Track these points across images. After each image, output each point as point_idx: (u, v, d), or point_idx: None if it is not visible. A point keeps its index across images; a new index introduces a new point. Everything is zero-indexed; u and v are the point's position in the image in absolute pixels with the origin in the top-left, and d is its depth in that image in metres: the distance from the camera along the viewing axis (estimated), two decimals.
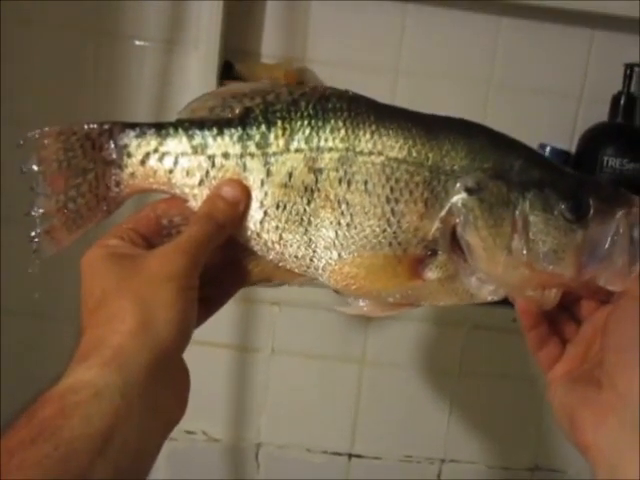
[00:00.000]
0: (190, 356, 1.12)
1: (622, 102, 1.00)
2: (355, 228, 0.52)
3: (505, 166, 0.51)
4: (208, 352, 1.10)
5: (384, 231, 0.52)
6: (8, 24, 1.02)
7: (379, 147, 0.52)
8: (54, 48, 1.04)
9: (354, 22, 1.05)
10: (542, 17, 1.03)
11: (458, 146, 0.52)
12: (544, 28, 1.04)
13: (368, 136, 0.52)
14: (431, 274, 0.52)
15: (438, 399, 1.14)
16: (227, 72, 1.02)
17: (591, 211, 0.50)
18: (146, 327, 0.45)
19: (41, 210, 0.52)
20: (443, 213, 0.51)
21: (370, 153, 0.52)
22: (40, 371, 1.10)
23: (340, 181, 0.52)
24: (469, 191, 0.51)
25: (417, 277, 0.52)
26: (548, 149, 1.02)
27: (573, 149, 1.05)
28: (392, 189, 0.52)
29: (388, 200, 0.51)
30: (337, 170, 0.52)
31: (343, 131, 0.52)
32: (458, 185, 0.51)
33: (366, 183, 0.52)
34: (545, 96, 1.07)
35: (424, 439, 1.15)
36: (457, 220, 0.51)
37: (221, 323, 1.08)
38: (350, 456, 1.15)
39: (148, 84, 1.05)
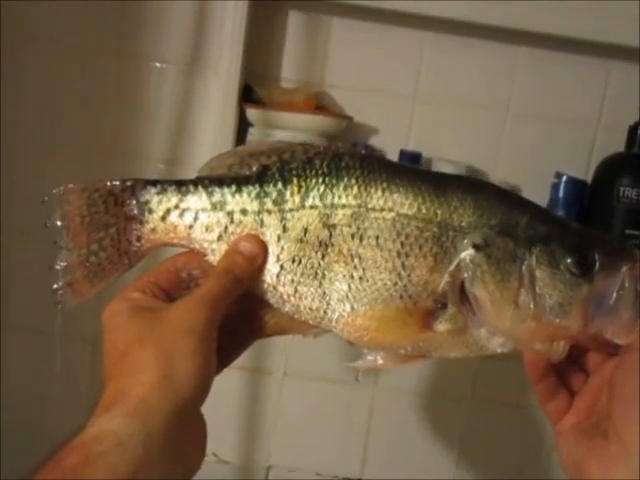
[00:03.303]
0: None
1: (639, 133, 1.01)
2: (367, 281, 0.54)
3: (511, 222, 0.53)
4: (220, 373, 1.10)
5: (395, 284, 0.53)
6: (27, 45, 1.03)
7: (390, 204, 0.53)
8: (74, 69, 1.05)
9: (373, 48, 1.06)
10: (560, 47, 1.04)
11: (466, 203, 0.53)
12: (562, 58, 1.06)
13: (379, 193, 0.54)
14: (441, 326, 0.53)
15: (450, 425, 1.14)
16: (247, 95, 1.03)
17: (597, 265, 0.51)
18: (168, 379, 0.47)
19: (64, 263, 0.54)
20: (452, 268, 0.53)
21: (381, 209, 0.54)
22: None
23: (353, 236, 0.54)
24: (476, 247, 0.52)
25: (427, 329, 0.53)
26: (564, 178, 1.03)
27: (589, 178, 1.06)
28: (402, 244, 0.53)
29: (399, 254, 0.53)
30: (350, 226, 0.54)
31: (356, 188, 0.54)
32: (466, 241, 0.53)
33: (378, 238, 0.53)
34: (562, 125, 1.08)
35: (435, 465, 1.15)
36: (465, 275, 0.53)
37: None
38: None
39: (168, 106, 1.06)
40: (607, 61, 1.06)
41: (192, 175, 1.06)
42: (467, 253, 0.52)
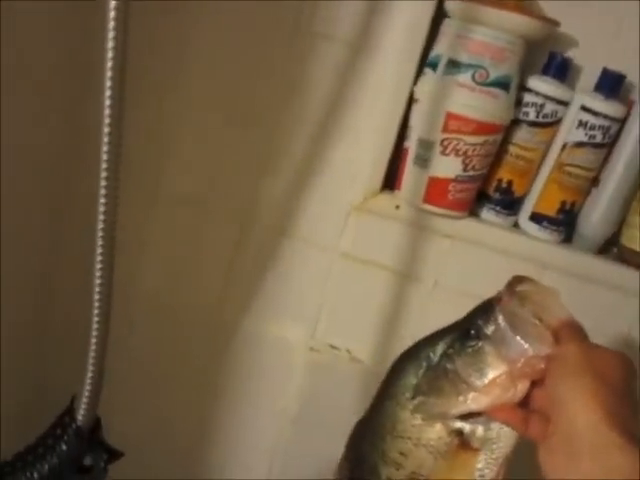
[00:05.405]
0: (351, 272, 1.09)
1: None
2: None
3: (423, 361, 0.65)
4: (369, 272, 1.07)
5: (430, 453, 0.64)
6: None
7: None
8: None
9: None
10: None
11: (404, 380, 0.66)
12: None
13: None
14: (477, 441, 0.63)
15: None
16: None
17: (481, 325, 0.62)
18: None
19: None
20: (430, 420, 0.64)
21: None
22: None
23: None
24: (413, 397, 0.64)
25: (476, 451, 0.63)
26: None
27: None
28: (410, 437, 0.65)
29: (410, 440, 0.65)
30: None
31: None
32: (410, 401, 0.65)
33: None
34: None
35: None
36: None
37: (388, 245, 1.05)
38: None
39: (352, 17, 1.00)
40: None
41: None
42: (416, 402, 0.64)
